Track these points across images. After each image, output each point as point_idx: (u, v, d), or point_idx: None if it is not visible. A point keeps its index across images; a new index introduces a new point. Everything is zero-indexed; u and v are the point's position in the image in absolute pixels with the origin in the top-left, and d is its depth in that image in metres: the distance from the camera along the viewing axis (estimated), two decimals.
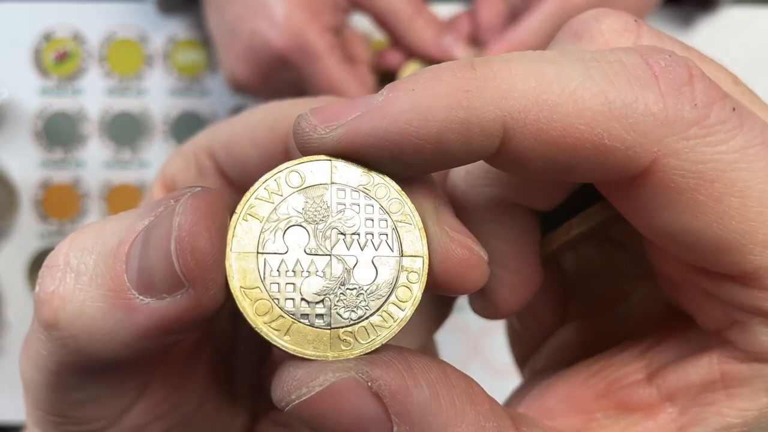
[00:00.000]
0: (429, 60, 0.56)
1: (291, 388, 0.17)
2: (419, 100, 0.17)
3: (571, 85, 0.17)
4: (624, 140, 0.17)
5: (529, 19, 0.52)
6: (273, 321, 0.18)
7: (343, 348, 0.18)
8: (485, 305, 0.23)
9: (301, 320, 0.18)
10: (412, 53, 0.56)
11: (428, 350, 0.29)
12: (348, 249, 0.18)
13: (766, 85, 0.30)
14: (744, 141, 0.17)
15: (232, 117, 0.26)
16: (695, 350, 0.20)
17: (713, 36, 0.63)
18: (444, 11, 0.60)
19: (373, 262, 0.18)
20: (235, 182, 0.26)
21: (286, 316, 0.18)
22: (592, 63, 0.17)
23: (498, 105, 0.17)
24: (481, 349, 0.62)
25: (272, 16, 0.51)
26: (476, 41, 0.57)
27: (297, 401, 0.17)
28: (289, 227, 0.18)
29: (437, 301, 0.26)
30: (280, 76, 0.53)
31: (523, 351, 0.28)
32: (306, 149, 0.19)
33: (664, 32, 0.20)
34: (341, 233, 0.18)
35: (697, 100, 0.17)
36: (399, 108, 0.17)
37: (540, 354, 0.27)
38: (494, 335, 0.62)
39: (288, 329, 0.18)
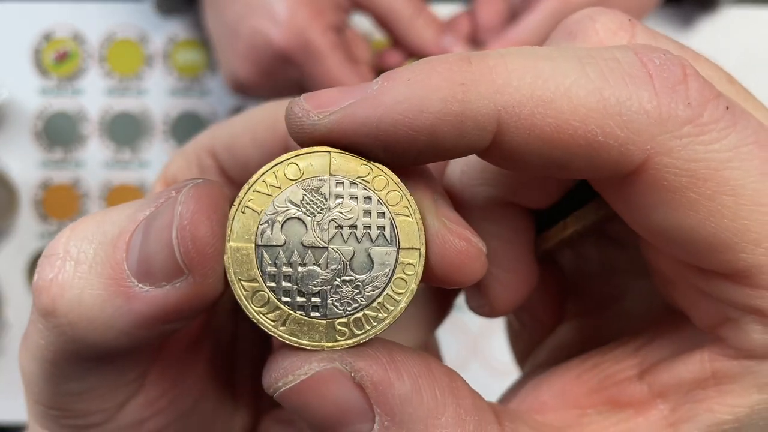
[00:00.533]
0: None
1: (278, 376, 0.18)
2: (414, 91, 0.17)
3: (566, 82, 0.17)
4: (617, 137, 0.17)
5: (528, 19, 0.53)
6: (270, 312, 0.18)
7: (339, 338, 0.18)
8: (481, 303, 0.24)
9: (298, 311, 0.18)
10: (412, 53, 0.56)
11: (429, 346, 0.29)
12: (345, 241, 0.18)
13: (765, 85, 0.30)
14: (737, 140, 0.17)
15: (233, 117, 0.27)
16: (688, 348, 0.20)
17: (713, 36, 0.63)
18: (444, 11, 0.60)
19: (369, 254, 0.18)
20: (236, 182, 0.26)
21: (282, 306, 0.18)
22: (588, 60, 0.17)
23: (493, 99, 0.17)
24: (480, 349, 0.62)
25: (274, 14, 0.51)
26: (476, 41, 0.58)
27: (283, 388, 0.18)
28: (287, 219, 0.18)
29: (437, 297, 0.27)
30: (281, 75, 0.53)
31: (523, 349, 0.28)
32: (298, 135, 0.19)
33: (658, 32, 0.20)
34: (339, 225, 0.18)
35: (690, 99, 0.17)
36: (393, 98, 0.17)
37: (539, 352, 0.27)
38: (494, 335, 0.62)
39: (284, 320, 0.18)
